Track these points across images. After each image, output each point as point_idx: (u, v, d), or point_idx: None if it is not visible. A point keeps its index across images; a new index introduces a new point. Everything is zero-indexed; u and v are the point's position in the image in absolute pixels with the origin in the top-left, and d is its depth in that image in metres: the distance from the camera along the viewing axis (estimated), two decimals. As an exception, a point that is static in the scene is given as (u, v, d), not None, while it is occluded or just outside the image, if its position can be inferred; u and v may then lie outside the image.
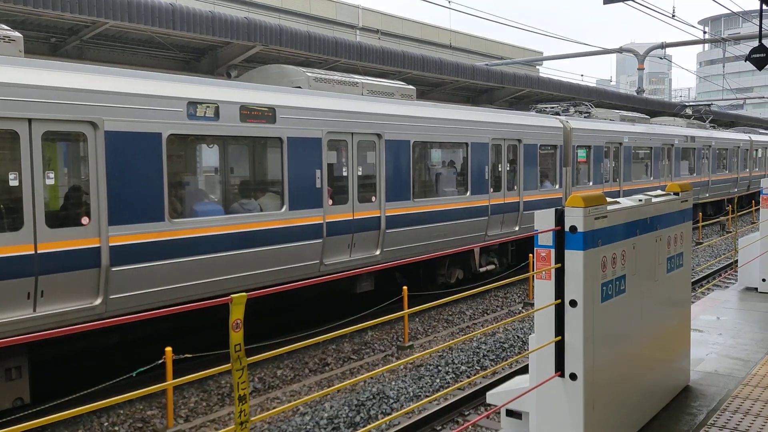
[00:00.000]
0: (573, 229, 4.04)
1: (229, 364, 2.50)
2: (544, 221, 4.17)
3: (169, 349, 7.26)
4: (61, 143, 7.68)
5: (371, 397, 8.30)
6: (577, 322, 4.06)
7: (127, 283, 7.80)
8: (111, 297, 7.66)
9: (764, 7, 10.09)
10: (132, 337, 9.71)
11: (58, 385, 8.42)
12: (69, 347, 9.15)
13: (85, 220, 7.49)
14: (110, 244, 7.61)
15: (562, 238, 4.10)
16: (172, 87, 8.34)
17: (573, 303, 4.07)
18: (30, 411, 7.34)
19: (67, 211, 7.55)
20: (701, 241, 21.63)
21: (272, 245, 9.41)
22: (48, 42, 10.86)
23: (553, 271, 4.11)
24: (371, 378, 8.89)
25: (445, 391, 3.44)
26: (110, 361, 9.20)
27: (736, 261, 9.83)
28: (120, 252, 7.71)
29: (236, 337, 2.47)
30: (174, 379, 7.56)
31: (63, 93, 7.24)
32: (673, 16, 22.74)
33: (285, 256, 9.61)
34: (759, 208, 9.68)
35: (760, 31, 10.83)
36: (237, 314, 2.47)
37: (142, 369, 7.38)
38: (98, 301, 7.57)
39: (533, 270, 4.17)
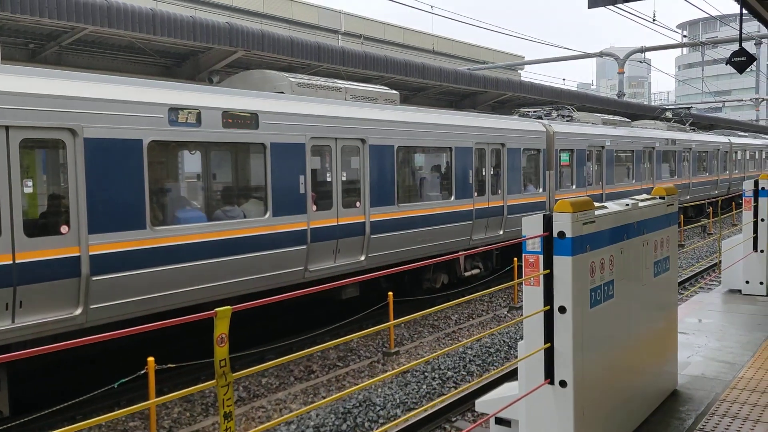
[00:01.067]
0: (561, 234, 4.01)
1: (214, 381, 2.42)
2: (531, 227, 4.13)
3: (151, 359, 7.13)
4: (40, 151, 7.54)
5: (357, 404, 8.22)
6: (566, 329, 4.02)
7: (108, 293, 7.65)
8: (92, 307, 7.52)
9: (744, 11, 10.16)
10: (115, 345, 9.56)
11: (40, 392, 8.25)
12: (50, 357, 8.98)
13: (64, 228, 7.35)
14: (90, 253, 7.48)
15: (550, 244, 4.06)
16: (152, 93, 8.23)
17: (562, 309, 4.03)
18: (11, 424, 7.18)
19: (46, 220, 7.41)
20: (683, 243, 21.78)
21: (256, 252, 9.31)
22: (26, 48, 10.69)
23: (541, 278, 4.07)
24: (357, 385, 8.82)
25: (434, 402, 3.39)
26: (93, 367, 9.04)
27: (719, 263, 9.87)
28: (100, 261, 7.57)
29: (221, 352, 2.39)
30: (157, 387, 7.45)
31: (41, 100, 7.10)
32: (654, 20, 22.94)
33: (269, 263, 9.51)
34: (741, 211, 9.73)
35: (740, 34, 10.92)
36: (222, 328, 2.39)
37: (123, 380, 7.24)
38: (79, 311, 7.42)
39: (519, 277, 4.12)
